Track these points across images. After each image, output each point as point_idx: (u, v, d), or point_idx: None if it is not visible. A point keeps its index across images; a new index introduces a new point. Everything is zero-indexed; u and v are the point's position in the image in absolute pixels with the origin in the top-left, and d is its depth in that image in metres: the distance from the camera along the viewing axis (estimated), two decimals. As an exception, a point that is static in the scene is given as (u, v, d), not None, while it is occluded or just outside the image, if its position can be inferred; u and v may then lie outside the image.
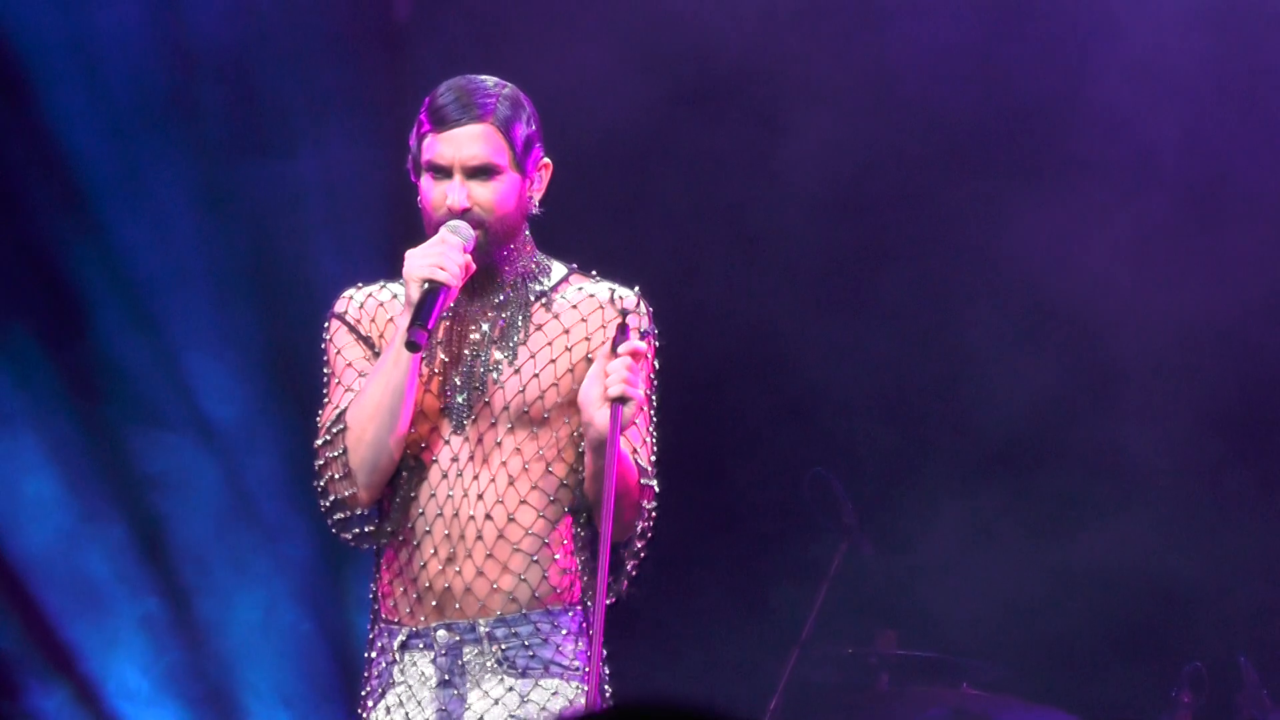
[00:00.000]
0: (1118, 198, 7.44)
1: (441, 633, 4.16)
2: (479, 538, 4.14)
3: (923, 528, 7.60)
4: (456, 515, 4.15)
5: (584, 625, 4.20)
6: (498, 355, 4.19)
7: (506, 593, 4.14)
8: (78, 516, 7.20)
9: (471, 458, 4.17)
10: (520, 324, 4.21)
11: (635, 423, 4.12)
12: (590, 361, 4.16)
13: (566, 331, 4.22)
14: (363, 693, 4.27)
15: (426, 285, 4.05)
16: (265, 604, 7.34)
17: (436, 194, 4.18)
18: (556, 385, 4.19)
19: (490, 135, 4.16)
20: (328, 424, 4.19)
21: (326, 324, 4.29)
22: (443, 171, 4.17)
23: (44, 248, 7.21)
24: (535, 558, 4.16)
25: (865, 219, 7.58)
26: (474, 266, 4.14)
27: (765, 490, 7.66)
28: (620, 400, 3.93)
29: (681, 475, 7.46)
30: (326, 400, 4.24)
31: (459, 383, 4.18)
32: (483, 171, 4.16)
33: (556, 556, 4.18)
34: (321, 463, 4.18)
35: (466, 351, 4.20)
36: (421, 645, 4.17)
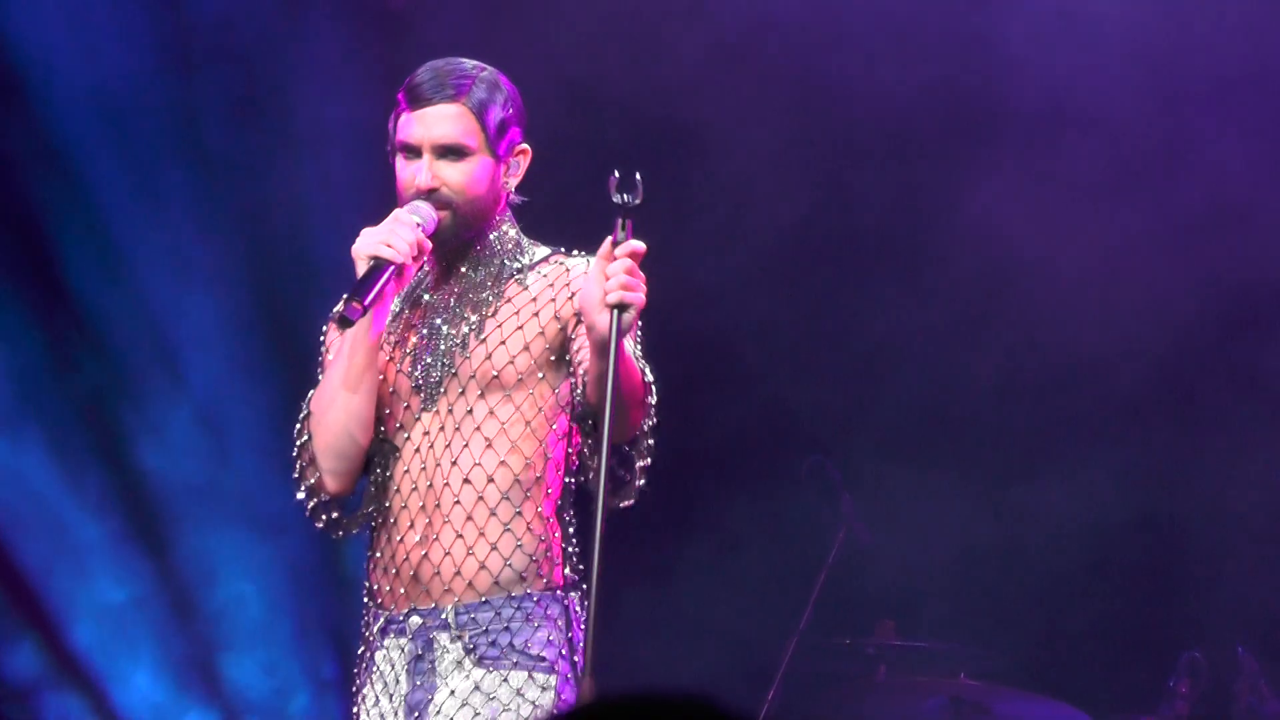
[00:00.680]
0: (1058, 173, 7.45)
1: (414, 619, 4.14)
2: (457, 502, 4.10)
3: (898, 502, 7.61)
4: (431, 486, 4.12)
5: (564, 613, 4.15)
6: (464, 329, 4.16)
7: (469, 577, 4.09)
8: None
9: (443, 429, 4.13)
10: (491, 300, 4.18)
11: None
12: (559, 320, 4.13)
13: (534, 299, 4.18)
14: (355, 671, 4.26)
15: (372, 262, 4.03)
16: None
17: (407, 174, 4.17)
18: (528, 349, 4.14)
19: (462, 116, 4.14)
20: (300, 415, 4.21)
21: (325, 326, 4.29)
22: (414, 151, 4.16)
23: (40, 235, 7.21)
24: (509, 525, 4.11)
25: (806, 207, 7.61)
26: (429, 246, 4.11)
27: (761, 480, 7.66)
28: (620, 307, 3.77)
29: (674, 462, 7.58)
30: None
31: (429, 360, 4.16)
32: (452, 152, 4.14)
33: (535, 530, 4.12)
34: (294, 452, 4.20)
35: (434, 331, 4.18)
36: (395, 631, 4.15)
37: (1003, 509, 7.53)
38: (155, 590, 7.30)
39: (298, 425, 4.19)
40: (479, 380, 4.13)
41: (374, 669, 4.18)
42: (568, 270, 4.19)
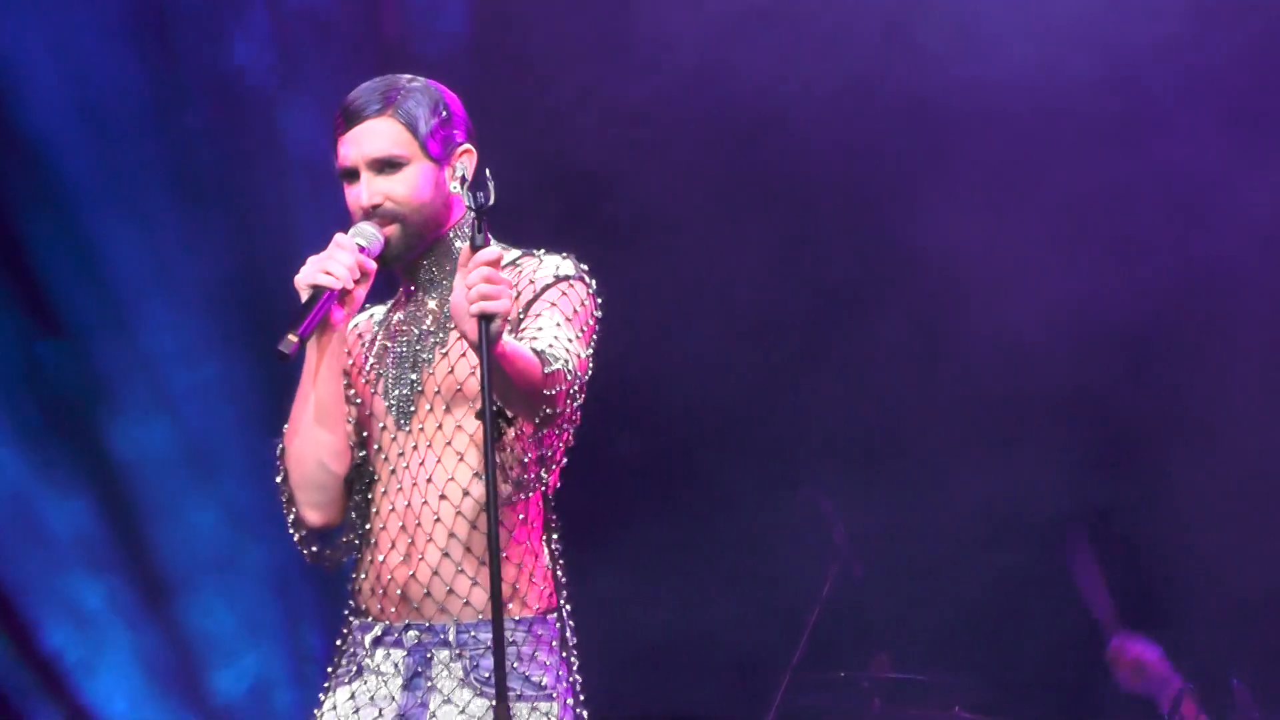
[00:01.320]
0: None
1: (411, 633, 4.10)
2: (437, 519, 4.07)
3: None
4: (410, 505, 4.09)
5: (560, 636, 4.12)
6: (430, 343, 4.14)
7: (465, 595, 4.07)
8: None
9: (416, 447, 4.10)
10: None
11: (541, 315, 4.01)
12: (506, 320, 4.06)
13: None
14: (329, 670, 4.22)
15: (311, 291, 3.99)
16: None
17: (351, 197, 4.12)
18: None
19: (391, 127, 4.10)
20: (278, 451, 4.20)
21: None
22: (352, 173, 4.13)
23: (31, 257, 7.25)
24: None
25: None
26: (372, 267, 4.06)
27: (756, 510, 7.66)
28: (483, 317, 3.69)
29: (666, 495, 7.63)
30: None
31: (398, 378, 4.14)
32: (388, 165, 4.09)
33: (518, 545, 4.09)
34: (278, 490, 4.20)
35: (403, 349, 4.16)
36: (391, 642, 4.12)
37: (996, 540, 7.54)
38: (130, 588, 7.29)
39: (278, 462, 4.17)
40: (444, 394, 4.09)
41: (362, 678, 4.13)
42: (520, 270, 4.14)
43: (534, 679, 4.07)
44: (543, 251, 4.18)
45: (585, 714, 4.13)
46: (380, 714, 4.10)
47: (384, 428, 4.15)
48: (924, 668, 7.21)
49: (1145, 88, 7.31)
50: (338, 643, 4.23)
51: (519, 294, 4.08)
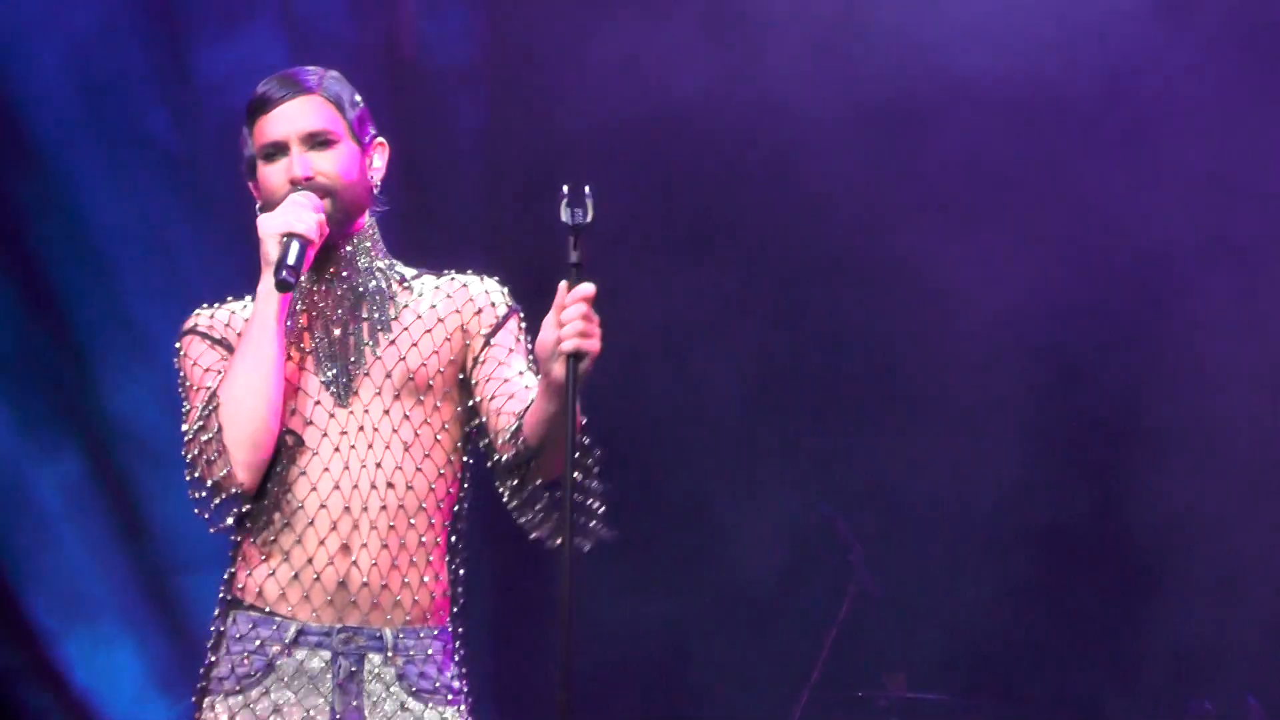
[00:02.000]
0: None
1: (341, 634, 4.01)
2: (383, 508, 4.00)
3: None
4: (357, 487, 4.00)
5: (454, 648, 4.09)
6: (373, 327, 4.08)
7: (395, 597, 4.01)
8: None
9: (361, 428, 4.03)
10: (387, 301, 4.10)
11: (525, 372, 4.02)
12: (466, 336, 4.09)
13: (434, 306, 4.11)
14: (204, 671, 4.06)
15: (285, 239, 3.95)
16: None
17: (277, 173, 4.06)
18: (437, 354, 4.07)
19: (321, 105, 4.08)
20: (197, 410, 4.00)
21: (178, 344, 4.13)
22: (279, 148, 4.05)
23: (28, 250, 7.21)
24: (423, 538, 4.03)
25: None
26: (327, 230, 4.01)
27: (771, 531, 7.68)
28: (575, 355, 3.69)
29: (682, 515, 7.64)
30: (188, 409, 4.05)
31: (336, 357, 4.06)
32: (320, 141, 4.06)
33: (442, 552, 4.06)
34: (195, 452, 4.00)
35: (336, 329, 4.08)
36: (315, 642, 4.02)
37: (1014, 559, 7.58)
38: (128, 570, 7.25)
39: (199, 422, 3.98)
40: (395, 381, 4.06)
41: (277, 677, 4.00)
42: (466, 287, 4.14)
43: (454, 686, 4.07)
44: (450, 273, 4.18)
45: None
46: (310, 713, 4.00)
47: (318, 403, 4.04)
48: (941, 687, 7.24)
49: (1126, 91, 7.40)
50: (220, 637, 4.05)
51: (480, 310, 4.10)
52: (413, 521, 4.04)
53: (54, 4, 7.14)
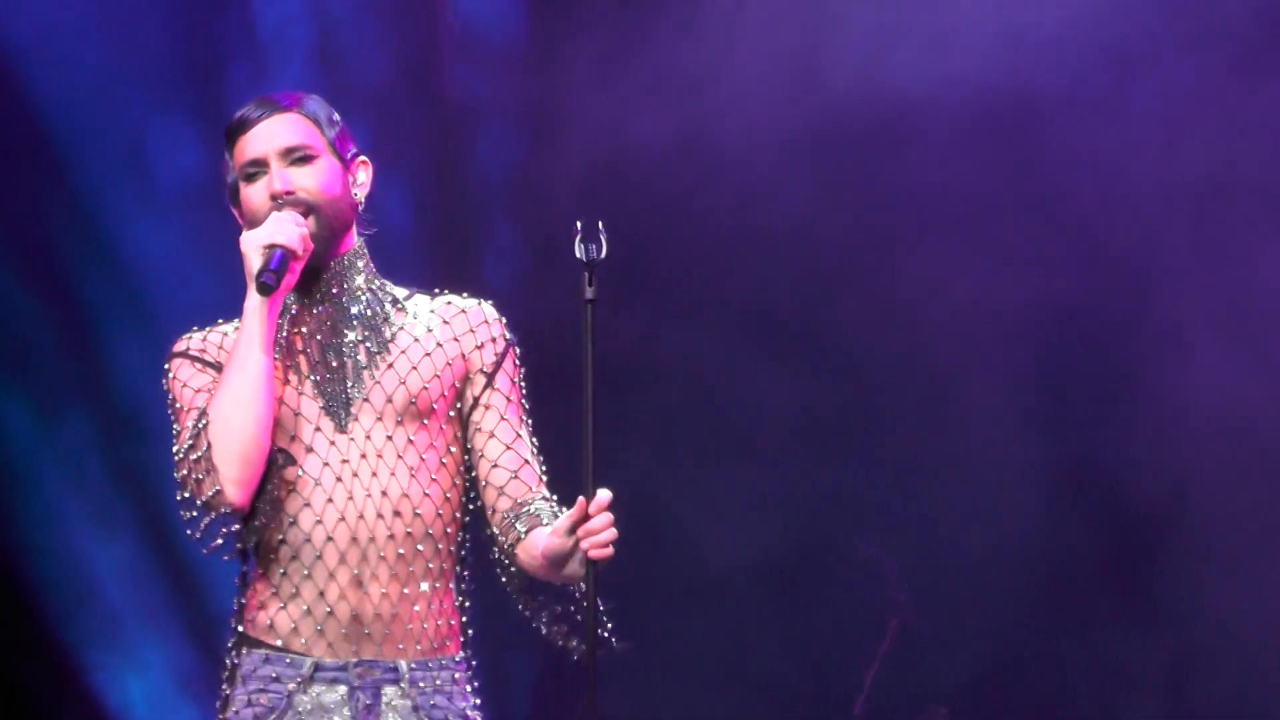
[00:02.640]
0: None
1: (357, 668, 4.02)
2: (390, 536, 4.00)
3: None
4: (363, 517, 4.00)
5: (468, 677, 4.10)
6: (370, 350, 4.07)
7: (408, 626, 4.02)
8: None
9: (364, 455, 4.03)
10: (383, 324, 4.09)
11: (521, 435, 4.11)
12: (466, 364, 4.09)
13: (431, 330, 4.10)
14: (233, 711, 4.04)
15: (267, 249, 3.95)
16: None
17: (258, 192, 4.07)
18: (439, 378, 4.07)
19: (298, 121, 4.08)
20: (187, 430, 3.99)
21: (166, 366, 4.12)
22: (259, 165, 4.06)
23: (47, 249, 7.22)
24: (430, 565, 4.03)
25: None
26: (312, 246, 4.00)
27: (814, 561, 7.65)
28: (600, 560, 3.85)
29: (724, 555, 7.62)
30: (178, 430, 4.04)
31: (333, 382, 4.05)
32: (300, 157, 4.07)
33: (448, 584, 4.07)
34: (184, 471, 3.99)
35: (330, 352, 4.08)
36: (330, 678, 4.02)
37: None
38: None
39: (189, 441, 3.97)
40: (396, 406, 4.05)
41: (295, 714, 3.99)
42: (465, 314, 4.15)
43: (469, 716, 4.07)
44: (441, 292, 4.20)
45: None
46: None
47: (317, 429, 4.03)
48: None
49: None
50: (236, 670, 4.05)
51: (481, 345, 4.12)
52: (420, 548, 4.03)
53: (81, 42, 7.18)
